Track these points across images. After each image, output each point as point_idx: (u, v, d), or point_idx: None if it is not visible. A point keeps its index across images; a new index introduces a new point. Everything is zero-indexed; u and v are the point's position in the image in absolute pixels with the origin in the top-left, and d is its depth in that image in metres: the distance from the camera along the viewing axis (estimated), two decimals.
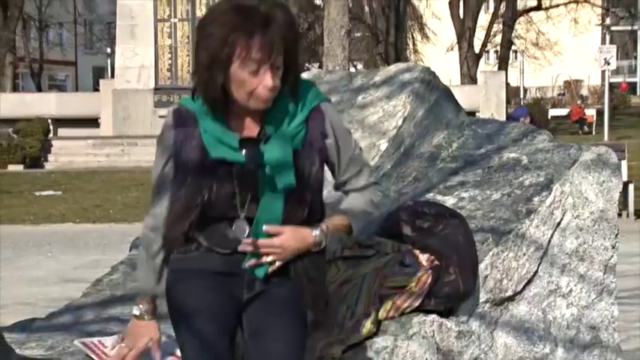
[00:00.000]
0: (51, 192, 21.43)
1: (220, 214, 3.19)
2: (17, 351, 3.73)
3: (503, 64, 45.76)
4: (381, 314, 3.64)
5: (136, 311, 3.34)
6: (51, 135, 30.85)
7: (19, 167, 27.85)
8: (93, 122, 31.03)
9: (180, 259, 3.23)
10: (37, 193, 21.21)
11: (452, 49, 47.23)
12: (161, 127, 3.31)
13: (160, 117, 29.41)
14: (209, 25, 3.19)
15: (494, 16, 48.32)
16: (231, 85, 3.16)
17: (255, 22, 3.13)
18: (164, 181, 3.31)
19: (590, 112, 43.27)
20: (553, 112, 45.91)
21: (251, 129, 3.22)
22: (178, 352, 3.32)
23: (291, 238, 3.12)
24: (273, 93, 3.19)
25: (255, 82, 3.15)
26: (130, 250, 4.81)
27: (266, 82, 3.15)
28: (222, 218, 3.19)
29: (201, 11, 29.61)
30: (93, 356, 3.71)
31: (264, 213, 3.16)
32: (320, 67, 29.94)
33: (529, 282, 4.04)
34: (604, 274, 4.19)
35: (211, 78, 3.16)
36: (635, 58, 79.49)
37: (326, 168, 3.26)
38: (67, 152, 29.36)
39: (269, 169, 3.12)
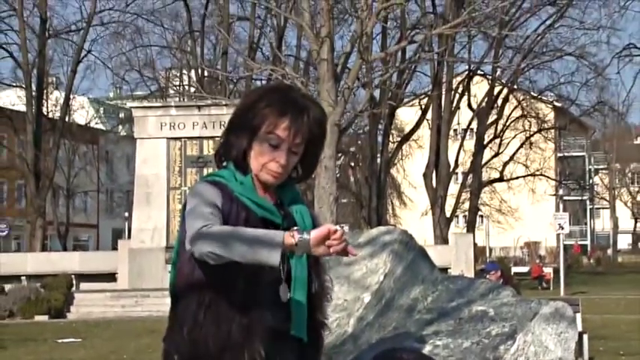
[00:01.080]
0: (71, 339, 21.19)
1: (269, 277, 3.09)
2: None
3: (470, 227, 45.95)
4: None
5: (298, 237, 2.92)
6: (74, 289, 30.72)
7: (45, 317, 27.59)
8: (111, 277, 30.95)
9: None
10: (59, 341, 20.97)
11: (426, 213, 47.58)
12: (196, 191, 3.18)
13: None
14: (252, 95, 3.24)
15: (463, 186, 48.79)
16: (252, 152, 3.17)
17: (291, 105, 3.15)
18: (209, 220, 3.05)
19: (548, 270, 43.28)
20: (515, 269, 45.89)
21: (270, 197, 3.21)
22: None
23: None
24: (283, 172, 3.17)
25: (271, 156, 3.15)
26: None
27: (279, 158, 3.14)
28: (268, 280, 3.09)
29: None
30: None
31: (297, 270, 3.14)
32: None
33: None
34: None
35: (237, 139, 3.17)
36: (585, 224, 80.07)
37: None
38: (88, 304, 29.17)
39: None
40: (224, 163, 3.27)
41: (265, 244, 2.91)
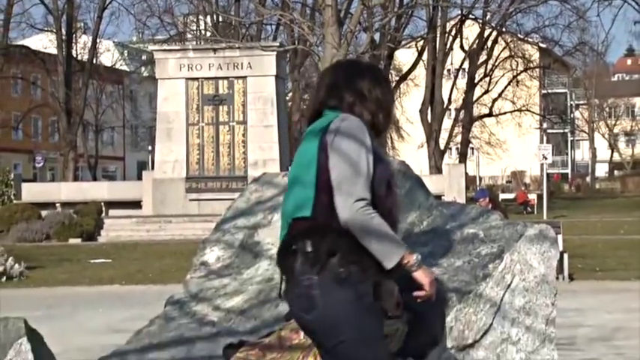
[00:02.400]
0: (102, 260, 21.37)
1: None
2: None
3: (462, 158, 46.00)
4: None
5: (415, 259, 3.26)
6: (103, 215, 30.88)
7: (78, 240, 27.80)
8: (136, 204, 31.06)
9: None
10: (91, 261, 21.15)
11: (422, 146, 47.56)
12: (357, 128, 3.23)
13: (191, 200, 29.49)
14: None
15: (455, 121, 48.72)
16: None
17: None
18: (370, 175, 3.18)
19: (532, 197, 43.39)
20: (503, 196, 46.01)
21: None
22: None
23: None
24: None
25: None
26: (165, 307, 4.77)
27: None
28: None
29: (223, 117, 29.84)
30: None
31: None
32: None
33: (486, 332, 4.01)
34: (546, 325, 4.15)
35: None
36: (567, 154, 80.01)
37: None
38: (116, 228, 29.34)
39: None
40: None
41: (394, 254, 3.17)
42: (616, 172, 76.19)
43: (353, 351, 3.09)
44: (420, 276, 3.21)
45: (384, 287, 3.17)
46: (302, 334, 3.57)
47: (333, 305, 3.07)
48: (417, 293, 3.22)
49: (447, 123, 46.94)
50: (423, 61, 44.67)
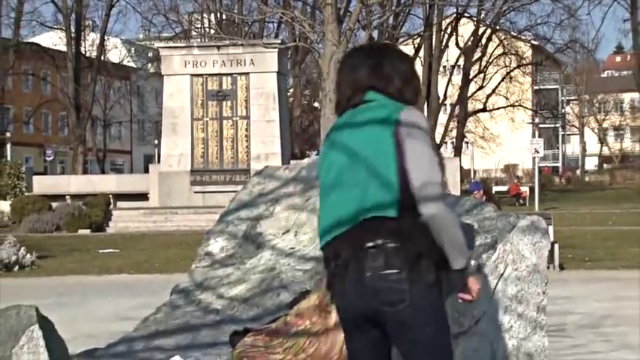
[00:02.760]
0: (110, 250, 21.38)
1: None
2: None
3: (457, 152, 45.97)
4: None
5: (473, 265, 3.20)
6: (111, 206, 30.85)
7: (87, 231, 27.80)
8: (143, 196, 31.02)
9: None
10: (100, 251, 21.16)
11: None
12: (426, 123, 3.17)
13: (195, 192, 29.48)
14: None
15: (451, 116, 48.71)
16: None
17: None
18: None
19: (524, 189, 43.32)
20: (496, 189, 45.97)
21: None
22: None
23: None
24: None
25: None
26: (171, 295, 4.78)
27: None
28: None
29: (226, 112, 29.81)
30: None
31: None
32: (318, 154, 29.95)
33: (480, 319, 4.02)
34: (537, 313, 4.17)
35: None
36: (558, 148, 79.95)
37: None
38: (124, 219, 29.33)
39: None
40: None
41: (463, 257, 3.11)
42: (605, 166, 76.11)
43: (439, 337, 3.13)
44: (472, 282, 3.17)
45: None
46: (307, 320, 3.56)
47: (421, 299, 3.07)
48: (462, 295, 3.18)
49: (442, 118, 46.90)
50: (419, 57, 44.58)
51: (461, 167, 39.46)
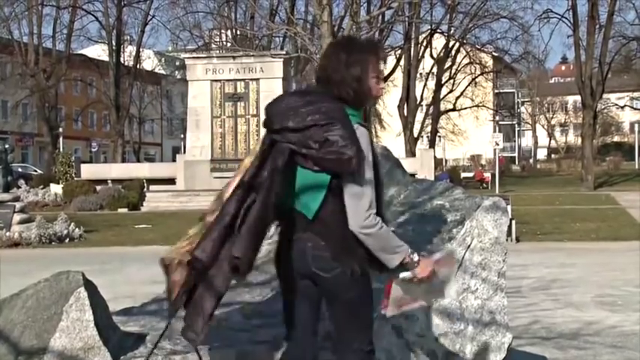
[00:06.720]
0: (144, 225, 21.38)
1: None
2: (121, 328, 3.68)
3: (432, 144, 45.94)
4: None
5: (417, 258, 2.95)
6: (145, 189, 30.83)
7: (125, 210, 27.81)
8: (172, 181, 31.01)
9: None
10: (136, 226, 21.17)
11: (399, 135, 47.46)
12: (366, 140, 2.88)
13: (215, 178, 29.44)
14: (340, 51, 2.97)
15: (426, 114, 48.69)
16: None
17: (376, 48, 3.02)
18: (371, 198, 2.88)
19: (487, 175, 43.34)
20: (463, 175, 45.98)
21: None
22: None
23: None
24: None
25: (377, 86, 2.99)
26: None
27: (382, 85, 3.04)
28: None
29: (240, 112, 29.72)
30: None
31: None
32: None
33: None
34: (498, 278, 4.15)
35: (359, 84, 2.95)
36: (514, 141, 79.96)
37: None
38: (155, 200, 29.30)
39: None
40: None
41: (397, 254, 2.89)
42: (553, 156, 76.08)
43: (357, 307, 2.97)
44: (418, 270, 2.95)
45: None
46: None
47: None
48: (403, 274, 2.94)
49: (419, 116, 46.86)
50: (400, 66, 44.56)
51: (434, 157, 39.46)
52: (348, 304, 2.94)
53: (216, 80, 29.85)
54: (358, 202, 2.84)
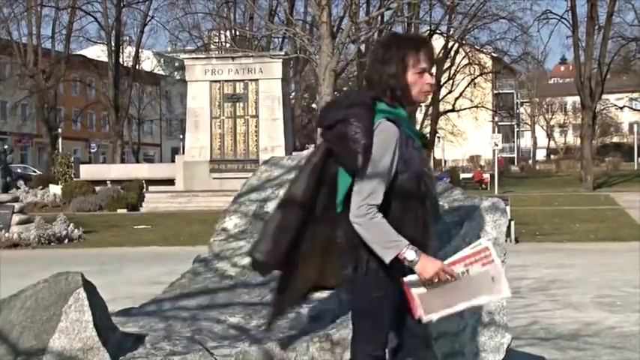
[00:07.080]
0: (143, 226, 21.36)
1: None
2: (120, 328, 3.68)
3: (431, 145, 45.93)
4: None
5: (414, 256, 2.82)
6: (144, 190, 30.83)
7: (124, 210, 27.80)
8: (171, 182, 31.01)
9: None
10: (135, 227, 21.14)
11: None
12: (387, 135, 2.79)
13: (214, 178, 29.42)
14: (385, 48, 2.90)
15: (425, 115, 48.70)
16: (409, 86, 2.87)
17: (422, 42, 2.94)
18: (378, 189, 2.80)
19: (486, 176, 43.37)
20: (463, 175, 46.00)
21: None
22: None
23: None
24: (432, 89, 2.95)
25: (421, 81, 2.90)
26: (193, 264, 4.76)
27: (430, 80, 2.93)
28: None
29: (239, 112, 29.73)
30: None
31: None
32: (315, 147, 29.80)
33: None
34: None
35: (395, 80, 2.87)
36: (513, 142, 79.99)
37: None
38: (154, 201, 29.30)
39: None
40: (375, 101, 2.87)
41: (390, 249, 2.80)
42: (552, 156, 76.14)
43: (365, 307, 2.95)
44: (417, 270, 2.83)
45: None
46: None
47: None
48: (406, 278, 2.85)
49: (419, 117, 46.91)
50: None
51: (434, 158, 39.48)
52: (355, 303, 2.95)
53: (215, 81, 29.85)
54: (357, 195, 2.82)
